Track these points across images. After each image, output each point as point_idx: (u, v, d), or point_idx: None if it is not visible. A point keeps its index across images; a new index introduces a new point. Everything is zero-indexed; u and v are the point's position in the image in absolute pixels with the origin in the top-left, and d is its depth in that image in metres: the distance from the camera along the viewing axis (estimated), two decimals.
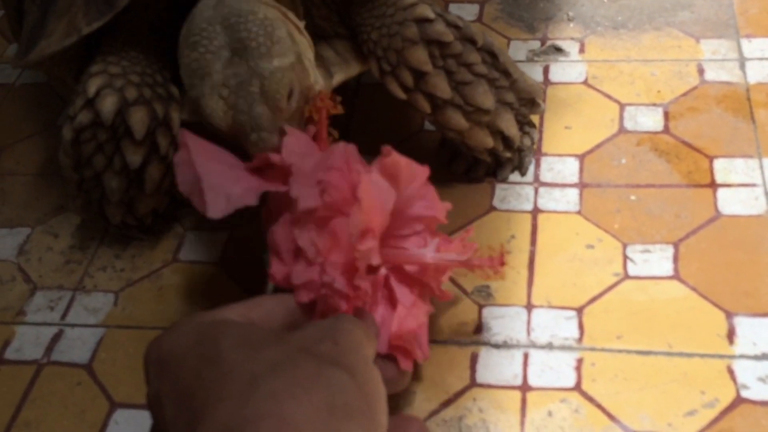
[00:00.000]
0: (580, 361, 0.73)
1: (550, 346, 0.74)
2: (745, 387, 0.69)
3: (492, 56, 0.82)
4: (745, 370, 0.70)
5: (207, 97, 0.71)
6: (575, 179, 0.88)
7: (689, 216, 0.83)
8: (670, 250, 0.80)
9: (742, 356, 0.71)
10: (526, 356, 0.74)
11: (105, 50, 0.83)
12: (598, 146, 0.91)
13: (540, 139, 0.92)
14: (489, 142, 0.83)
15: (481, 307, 0.78)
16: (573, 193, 0.87)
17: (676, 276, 0.78)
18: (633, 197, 0.85)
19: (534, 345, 0.75)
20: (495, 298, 0.79)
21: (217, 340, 0.50)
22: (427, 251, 0.67)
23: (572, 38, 1.05)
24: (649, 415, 0.69)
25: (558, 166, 0.90)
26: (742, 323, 0.74)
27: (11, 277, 0.88)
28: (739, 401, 0.69)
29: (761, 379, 0.70)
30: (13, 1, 0.92)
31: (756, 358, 0.71)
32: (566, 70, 1.01)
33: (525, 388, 0.72)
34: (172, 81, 0.83)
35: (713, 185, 0.85)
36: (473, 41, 0.81)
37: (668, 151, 0.90)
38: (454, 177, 0.89)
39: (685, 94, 0.96)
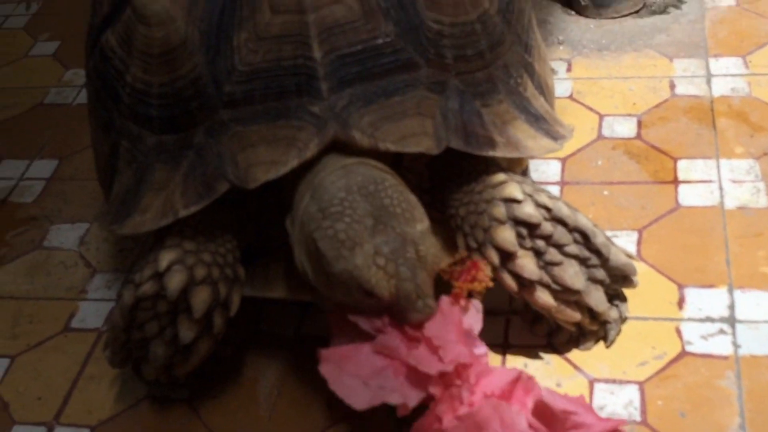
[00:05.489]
0: None
1: None
2: (690, 343, 0.82)
3: (584, 237, 0.78)
4: (691, 330, 0.83)
5: (364, 268, 0.69)
6: (557, 178, 1.02)
7: (653, 207, 0.96)
8: (634, 236, 0.94)
9: (689, 319, 0.84)
10: (507, 321, 0.87)
11: (182, 219, 0.78)
12: (578, 150, 1.05)
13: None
14: (576, 317, 0.79)
15: None
16: (555, 190, 1.00)
17: (639, 256, 0.91)
18: (606, 192, 0.99)
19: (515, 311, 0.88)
20: None
21: None
22: None
23: (561, 59, 1.19)
24: (608, 365, 0.82)
25: (543, 167, 1.03)
26: (690, 293, 0.87)
27: (74, 263, 1.03)
28: (683, 354, 0.82)
29: (703, 337, 0.83)
30: (105, 155, 0.90)
31: (700, 320, 0.84)
32: (555, 87, 1.15)
33: (506, 346, 0.85)
34: (242, 258, 0.82)
35: (675, 182, 0.99)
36: (564, 223, 0.77)
37: (639, 154, 1.03)
38: None
39: (657, 106, 1.09)
